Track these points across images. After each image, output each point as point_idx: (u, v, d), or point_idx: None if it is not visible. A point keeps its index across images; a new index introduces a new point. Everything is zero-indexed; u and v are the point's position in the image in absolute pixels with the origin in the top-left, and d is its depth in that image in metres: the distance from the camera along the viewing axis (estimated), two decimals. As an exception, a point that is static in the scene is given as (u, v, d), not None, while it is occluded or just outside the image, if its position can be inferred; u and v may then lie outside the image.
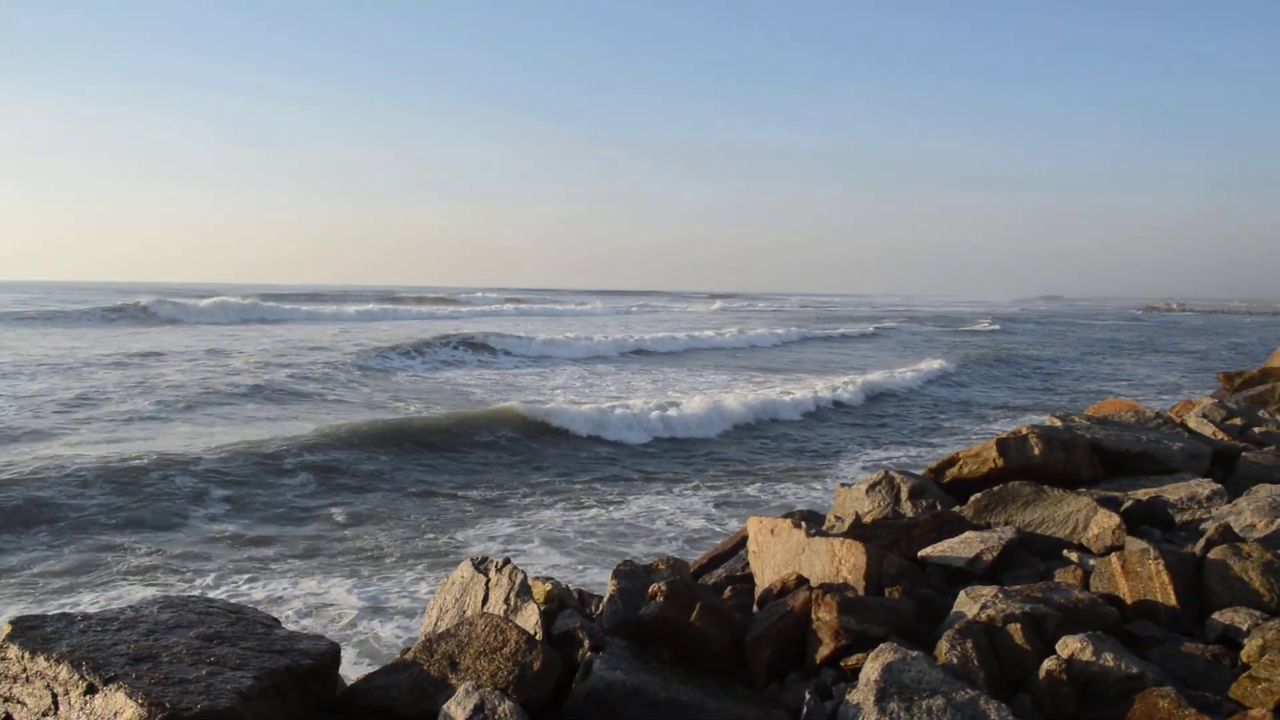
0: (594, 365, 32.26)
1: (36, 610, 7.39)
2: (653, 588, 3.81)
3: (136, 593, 8.36)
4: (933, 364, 30.69)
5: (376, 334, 39.69)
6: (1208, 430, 7.61)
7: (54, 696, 3.07)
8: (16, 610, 7.75)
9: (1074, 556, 4.32)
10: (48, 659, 3.11)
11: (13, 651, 3.19)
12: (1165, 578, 3.73)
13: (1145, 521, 4.83)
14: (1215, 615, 3.61)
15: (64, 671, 3.06)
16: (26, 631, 3.28)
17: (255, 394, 20.17)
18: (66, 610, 3.75)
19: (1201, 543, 4.02)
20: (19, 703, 3.15)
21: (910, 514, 5.56)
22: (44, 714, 3.08)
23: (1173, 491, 5.46)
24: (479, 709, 2.94)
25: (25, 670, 3.15)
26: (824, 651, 3.51)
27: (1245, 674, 3.09)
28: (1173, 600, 3.69)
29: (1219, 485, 5.43)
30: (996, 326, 68.67)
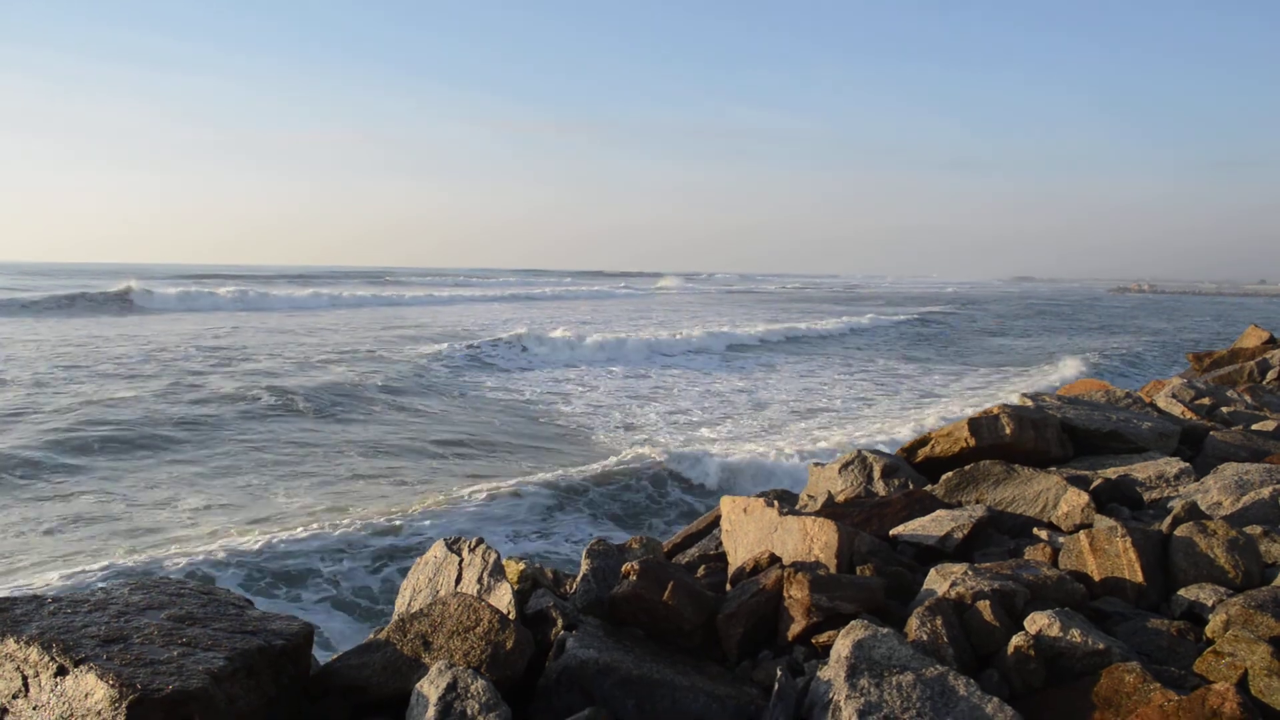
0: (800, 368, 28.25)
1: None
2: (626, 566, 3.82)
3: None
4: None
5: (404, 325, 37.08)
6: (1176, 410, 7.70)
7: (24, 679, 3.05)
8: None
9: (1043, 534, 4.37)
10: (17, 641, 3.09)
11: (-19, 634, 3.17)
12: (1132, 555, 3.78)
13: (1114, 500, 4.89)
14: (1181, 592, 3.66)
15: (34, 653, 3.04)
16: (-5, 613, 3.26)
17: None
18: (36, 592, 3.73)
19: (1168, 520, 4.07)
20: (-12, 685, 3.13)
21: (882, 493, 5.60)
22: (14, 696, 3.07)
23: (1141, 470, 5.53)
24: (452, 687, 2.94)
25: (-6, 652, 3.13)
26: (796, 629, 3.53)
27: (1209, 649, 3.13)
28: (1139, 577, 3.74)
29: (1187, 464, 5.49)
30: (1001, 310, 68.92)
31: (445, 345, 28.28)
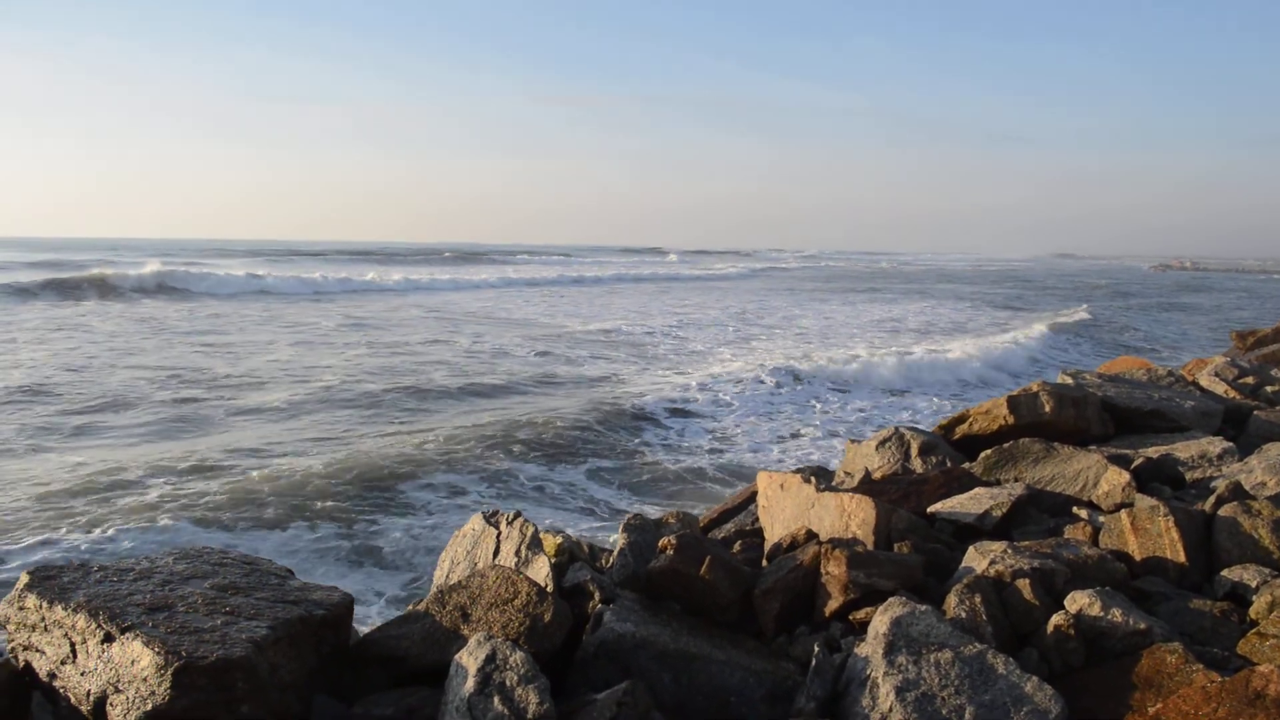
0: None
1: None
2: (663, 541, 3.83)
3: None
4: None
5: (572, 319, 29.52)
6: (1219, 389, 7.59)
7: (72, 645, 3.11)
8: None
9: (1083, 513, 4.33)
10: (65, 608, 3.15)
11: (31, 601, 3.24)
12: (1174, 534, 3.74)
13: (1155, 479, 4.83)
14: (1224, 572, 3.62)
15: (81, 620, 3.10)
16: (44, 581, 3.32)
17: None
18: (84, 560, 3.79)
19: (1211, 500, 4.02)
20: (38, 651, 3.20)
21: (920, 470, 5.57)
22: (62, 662, 3.13)
23: (1183, 449, 5.46)
24: (490, 659, 2.96)
25: (44, 619, 3.19)
26: (833, 605, 3.53)
27: (1253, 630, 3.10)
28: (1182, 557, 3.70)
29: (1230, 443, 5.42)
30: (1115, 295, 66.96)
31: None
